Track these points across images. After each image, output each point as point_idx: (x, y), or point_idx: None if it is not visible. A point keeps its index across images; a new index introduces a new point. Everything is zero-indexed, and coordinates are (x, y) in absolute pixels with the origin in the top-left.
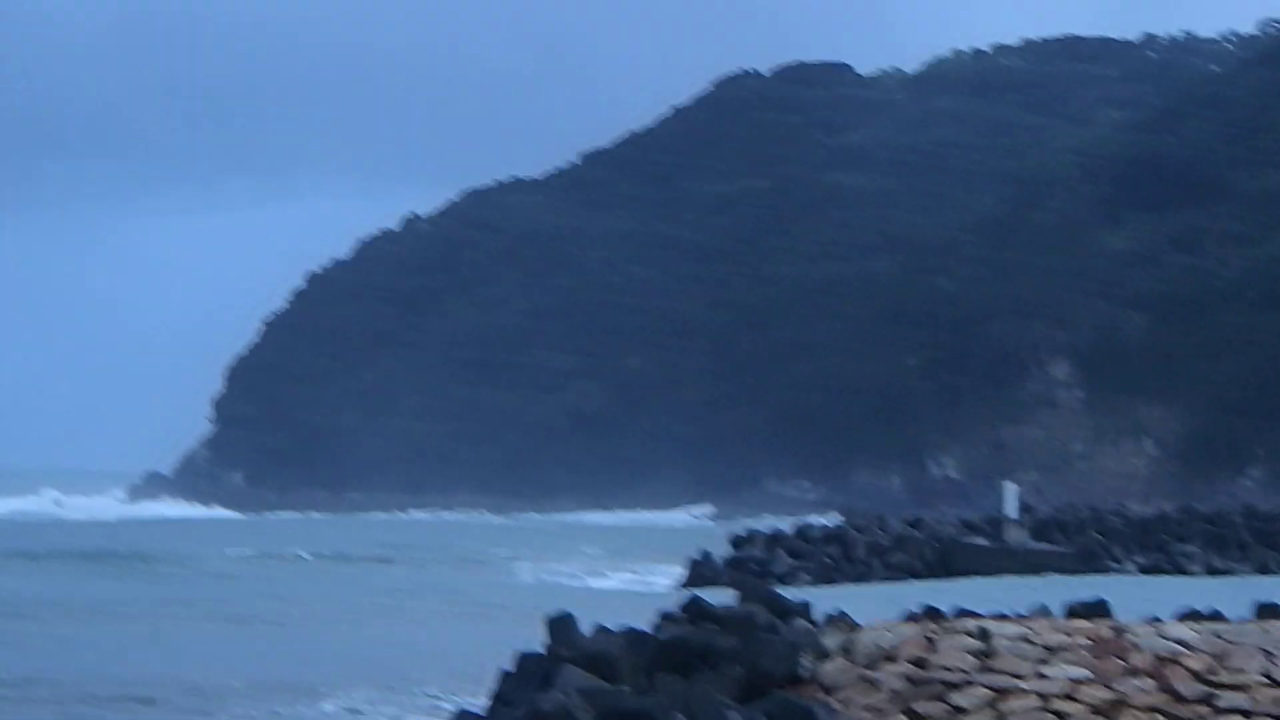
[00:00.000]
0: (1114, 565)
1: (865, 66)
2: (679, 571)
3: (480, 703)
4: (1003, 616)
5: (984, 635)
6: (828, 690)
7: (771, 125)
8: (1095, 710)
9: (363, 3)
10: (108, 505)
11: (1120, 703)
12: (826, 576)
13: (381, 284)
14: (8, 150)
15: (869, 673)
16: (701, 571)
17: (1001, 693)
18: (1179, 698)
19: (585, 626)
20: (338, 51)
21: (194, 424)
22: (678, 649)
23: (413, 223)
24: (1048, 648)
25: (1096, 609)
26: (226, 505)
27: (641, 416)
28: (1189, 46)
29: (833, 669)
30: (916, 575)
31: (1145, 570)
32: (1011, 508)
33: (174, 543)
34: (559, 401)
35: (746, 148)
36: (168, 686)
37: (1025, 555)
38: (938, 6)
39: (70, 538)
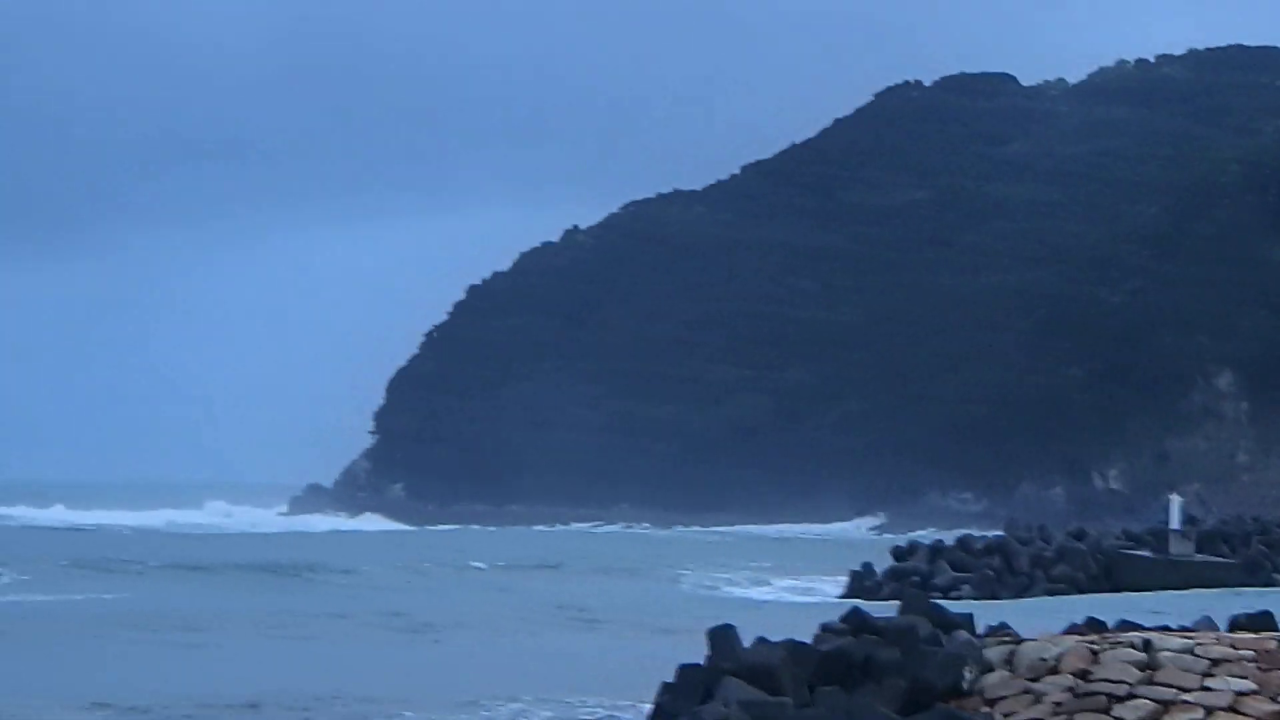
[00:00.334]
0: None
1: (1028, 77)
2: (840, 583)
3: (642, 714)
4: (1166, 629)
5: (1147, 648)
6: (990, 702)
7: (933, 136)
8: None
9: (525, 19)
10: (269, 518)
11: None
12: (988, 588)
13: (541, 296)
14: (176, 163)
15: (1032, 685)
16: (862, 583)
17: (1165, 705)
18: None
19: (746, 638)
20: (500, 64)
21: (355, 437)
22: (839, 661)
23: (572, 234)
24: (1212, 660)
25: (1262, 622)
26: (387, 517)
27: (802, 428)
28: None
29: (995, 681)
30: (1079, 587)
31: None
32: (1176, 520)
33: (342, 554)
34: (720, 413)
35: (908, 159)
36: (332, 700)
37: (1189, 567)
38: (1101, 17)
39: (241, 550)
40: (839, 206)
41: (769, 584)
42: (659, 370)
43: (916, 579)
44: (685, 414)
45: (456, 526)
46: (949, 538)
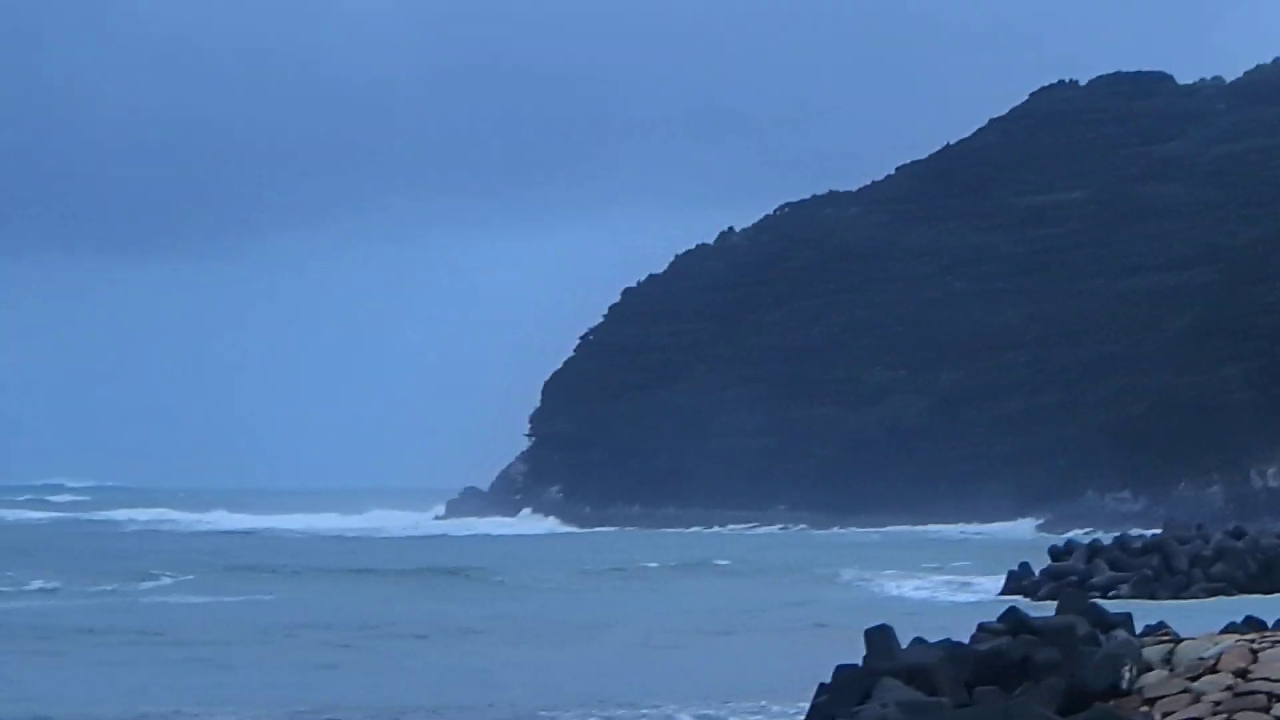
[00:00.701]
0: None
1: (1185, 76)
2: (998, 583)
3: (798, 715)
4: None
5: None
6: (1149, 702)
7: (1089, 136)
8: None
9: (685, 24)
10: (427, 522)
11: None
12: (1146, 588)
13: (696, 299)
14: (341, 175)
15: (1191, 684)
16: (1020, 583)
17: None
18: None
19: (904, 638)
20: (657, 69)
21: (513, 440)
22: (996, 661)
23: (727, 236)
24: None
25: None
26: (548, 517)
27: (959, 430)
28: None
29: (1154, 680)
30: (1238, 586)
31: None
32: None
33: (510, 557)
34: (876, 415)
35: (1063, 158)
36: (486, 710)
37: None
38: (1259, 15)
39: (405, 555)
40: (994, 207)
41: (926, 584)
42: (815, 372)
43: (1074, 578)
44: (841, 415)
45: (614, 529)
46: (1106, 537)
